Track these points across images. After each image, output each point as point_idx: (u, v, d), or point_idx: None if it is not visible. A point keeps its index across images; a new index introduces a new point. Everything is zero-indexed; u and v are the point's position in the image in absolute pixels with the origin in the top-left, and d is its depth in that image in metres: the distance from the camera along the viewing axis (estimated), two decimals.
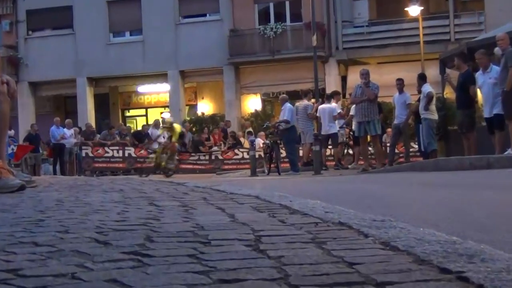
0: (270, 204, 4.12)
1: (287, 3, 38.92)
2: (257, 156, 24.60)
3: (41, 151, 33.78)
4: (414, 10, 33.54)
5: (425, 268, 2.00)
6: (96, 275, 1.95)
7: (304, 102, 24.07)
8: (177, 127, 27.79)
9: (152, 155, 27.81)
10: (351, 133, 23.82)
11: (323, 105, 24.30)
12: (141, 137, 33.55)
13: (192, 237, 2.64)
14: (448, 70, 22.79)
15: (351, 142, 24.79)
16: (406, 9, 34.34)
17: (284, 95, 24.68)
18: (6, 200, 4.81)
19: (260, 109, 39.71)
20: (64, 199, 4.91)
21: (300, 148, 24.84)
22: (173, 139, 26.96)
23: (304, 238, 2.61)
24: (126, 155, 32.03)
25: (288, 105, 22.55)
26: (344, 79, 37.86)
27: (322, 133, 23.54)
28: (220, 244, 2.46)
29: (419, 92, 20.29)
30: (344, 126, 24.82)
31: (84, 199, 4.89)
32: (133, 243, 2.49)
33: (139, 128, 39.45)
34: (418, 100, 20.55)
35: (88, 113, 40.97)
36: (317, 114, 23.90)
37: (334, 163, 24.68)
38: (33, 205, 4.39)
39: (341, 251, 2.30)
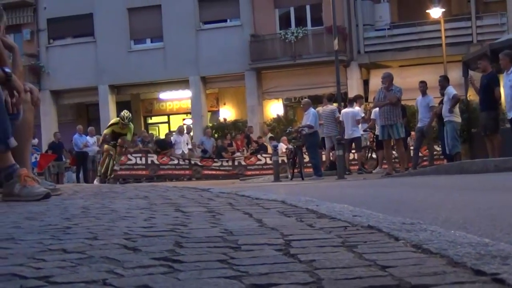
0: (297, 209, 4.10)
1: (308, 7, 38.87)
2: (280, 162, 24.55)
3: (64, 159, 33.93)
4: (435, 12, 33.47)
5: (459, 271, 1.97)
6: (127, 281, 1.94)
7: (329, 106, 24.07)
8: (131, 124, 24.79)
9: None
10: (375, 136, 23.76)
11: (346, 109, 24.35)
12: (164, 145, 33.61)
13: (221, 243, 2.63)
14: (471, 72, 22.68)
15: (374, 144, 24.73)
16: (427, 11, 34.27)
17: (307, 99, 24.69)
18: (32, 208, 4.81)
19: (282, 114, 39.69)
20: (89, 207, 4.91)
21: (323, 153, 24.84)
22: (128, 138, 24.87)
23: (334, 242, 2.59)
24: (149, 162, 32.14)
25: (312, 110, 22.53)
26: (366, 82, 37.81)
27: (345, 137, 23.52)
28: (250, 249, 2.44)
29: (442, 94, 20.20)
30: (368, 130, 24.79)
31: (110, 206, 4.89)
32: (162, 249, 2.48)
33: (161, 134, 39.68)
34: (441, 103, 20.43)
35: (111, 120, 41.00)
36: (340, 119, 23.90)
37: (357, 167, 24.62)
38: (59, 213, 4.39)
39: (372, 254, 2.27)
